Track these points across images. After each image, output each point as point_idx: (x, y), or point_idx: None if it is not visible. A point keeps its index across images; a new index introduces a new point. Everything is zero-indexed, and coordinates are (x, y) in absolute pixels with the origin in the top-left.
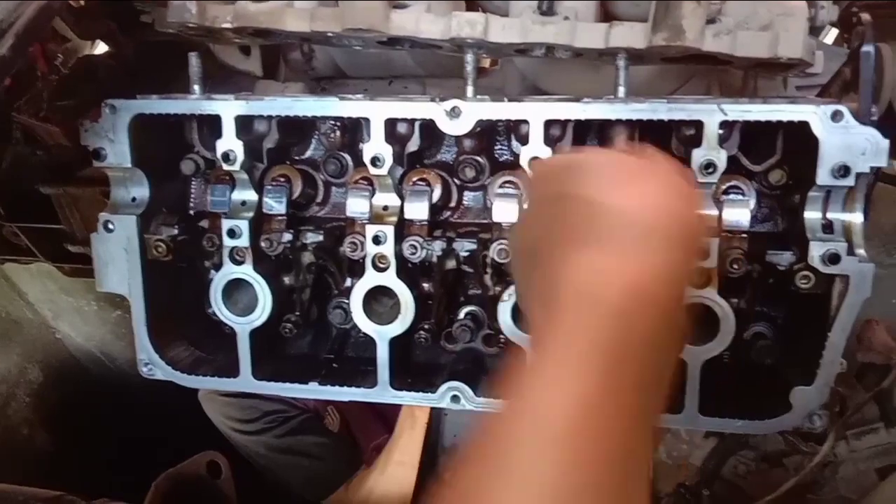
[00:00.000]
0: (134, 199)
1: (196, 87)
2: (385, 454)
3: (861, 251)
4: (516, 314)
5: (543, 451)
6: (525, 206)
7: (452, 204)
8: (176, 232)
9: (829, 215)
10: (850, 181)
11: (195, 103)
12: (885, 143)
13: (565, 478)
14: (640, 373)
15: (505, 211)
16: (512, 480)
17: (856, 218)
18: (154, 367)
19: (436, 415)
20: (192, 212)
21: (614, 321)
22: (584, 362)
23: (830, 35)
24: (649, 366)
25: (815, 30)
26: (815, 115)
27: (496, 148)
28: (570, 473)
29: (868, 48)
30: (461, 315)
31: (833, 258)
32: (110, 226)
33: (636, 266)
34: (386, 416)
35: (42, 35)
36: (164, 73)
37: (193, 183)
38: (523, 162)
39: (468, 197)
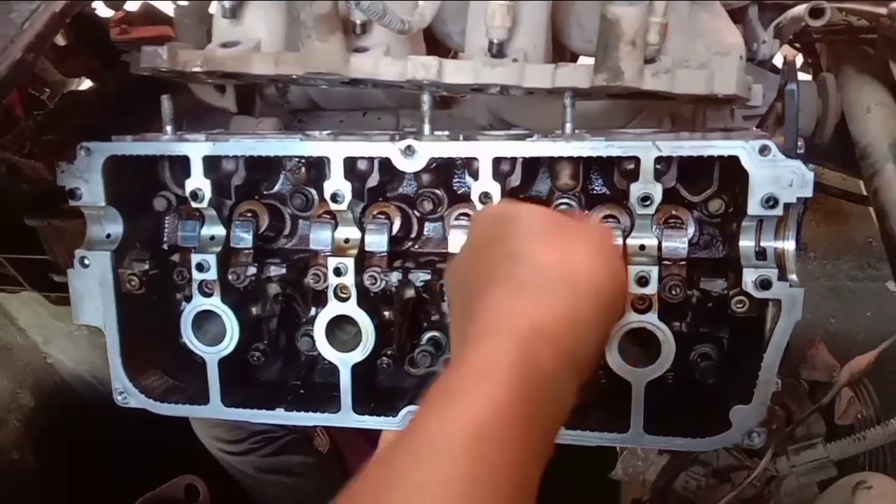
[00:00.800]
0: (108, 236)
1: (168, 128)
2: None
3: (793, 276)
4: None
5: (441, 466)
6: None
7: (413, 235)
8: (147, 267)
9: (763, 243)
10: (779, 211)
11: (165, 145)
12: (811, 175)
13: (459, 495)
14: (537, 403)
15: (460, 242)
16: (401, 495)
17: (788, 245)
18: (128, 395)
19: None
20: (165, 246)
21: (516, 352)
22: (484, 383)
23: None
24: (545, 399)
25: (762, 63)
26: (743, 149)
27: (454, 181)
28: (464, 489)
29: (791, 87)
30: (423, 340)
31: (764, 283)
32: (86, 261)
33: (543, 310)
34: (374, 438)
35: (19, 85)
36: (148, 105)
37: (167, 218)
38: (474, 196)
39: (428, 228)
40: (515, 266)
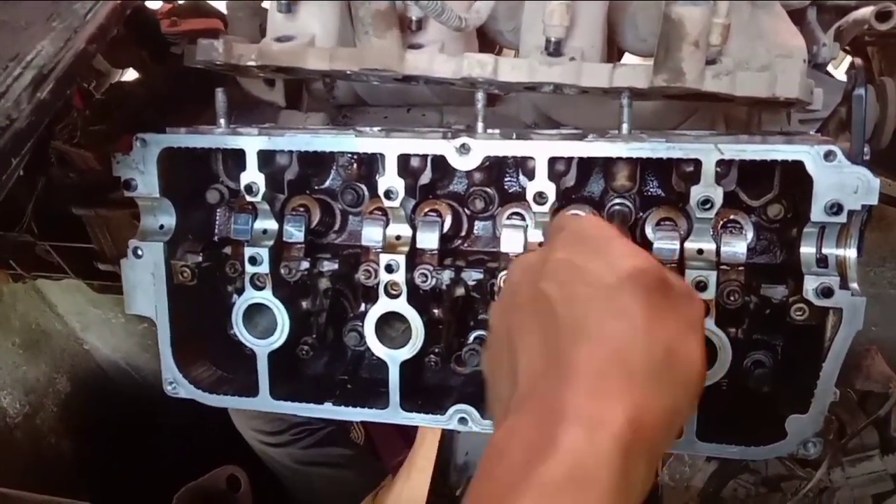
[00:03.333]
0: (161, 227)
1: (221, 121)
2: (408, 463)
3: (854, 285)
4: None
5: None
6: (504, 286)
7: (463, 233)
8: (200, 259)
9: (824, 250)
10: (842, 218)
11: (220, 138)
12: (876, 182)
13: None
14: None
15: (512, 241)
16: None
17: (850, 253)
18: (178, 385)
19: (448, 431)
20: (216, 238)
21: (619, 458)
22: (585, 484)
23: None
24: (628, 497)
25: (818, 66)
26: (808, 154)
27: (505, 180)
28: None
29: (859, 92)
30: (470, 339)
31: (826, 292)
32: (139, 252)
33: (649, 410)
34: (408, 433)
35: (80, 76)
36: (194, 97)
37: (218, 211)
38: (529, 196)
39: (478, 226)
40: (627, 340)
